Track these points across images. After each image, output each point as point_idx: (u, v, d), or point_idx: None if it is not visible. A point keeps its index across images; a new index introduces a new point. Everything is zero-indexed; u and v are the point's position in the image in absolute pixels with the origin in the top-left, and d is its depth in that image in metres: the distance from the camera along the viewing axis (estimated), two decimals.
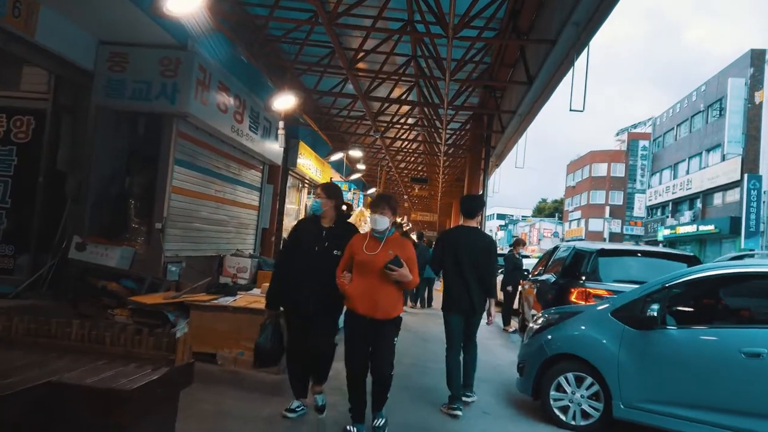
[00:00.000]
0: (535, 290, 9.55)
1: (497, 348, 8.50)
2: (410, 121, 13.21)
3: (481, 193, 11.59)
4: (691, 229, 37.86)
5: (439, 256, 5.38)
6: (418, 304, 13.87)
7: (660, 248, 8.40)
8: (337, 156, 12.54)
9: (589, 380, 4.87)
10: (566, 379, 4.97)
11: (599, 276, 7.80)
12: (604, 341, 4.84)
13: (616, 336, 4.80)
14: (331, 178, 15.83)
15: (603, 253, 7.97)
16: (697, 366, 4.37)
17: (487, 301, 5.33)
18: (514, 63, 7.71)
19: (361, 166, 14.92)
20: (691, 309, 5.07)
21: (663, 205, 46.53)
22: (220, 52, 7.03)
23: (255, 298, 6.06)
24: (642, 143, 54.08)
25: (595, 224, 59.49)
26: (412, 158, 16.62)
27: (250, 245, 9.38)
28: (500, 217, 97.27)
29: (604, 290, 7.54)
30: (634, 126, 66.07)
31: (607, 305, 5.09)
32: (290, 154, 10.84)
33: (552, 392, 5.02)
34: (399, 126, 13.19)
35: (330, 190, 4.44)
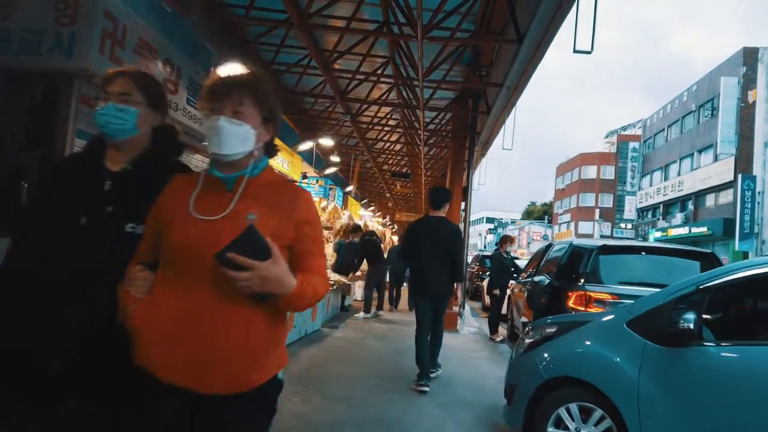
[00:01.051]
0: (526, 294, 8.36)
1: (482, 362, 7.28)
2: (388, 110, 12.01)
3: (465, 186, 10.42)
4: (683, 231, 37.05)
5: (408, 244, 5.76)
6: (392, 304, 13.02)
7: (670, 245, 7.28)
8: (306, 146, 11.25)
9: (598, 413, 3.64)
10: (568, 411, 3.74)
11: (601, 277, 6.63)
12: (619, 361, 3.62)
13: (634, 354, 3.58)
14: (305, 173, 14.55)
15: (605, 250, 6.79)
16: (751, 397, 3.16)
17: (455, 285, 5.80)
18: (502, 29, 6.53)
19: (335, 159, 13.62)
20: (739, 318, 3.87)
21: (654, 207, 45.79)
22: (141, 2, 5.76)
23: None
24: (632, 145, 53.41)
25: (585, 227, 58.70)
26: (392, 150, 15.30)
27: None
28: (489, 220, 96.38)
29: (608, 294, 6.39)
30: (624, 128, 65.56)
31: (620, 313, 3.87)
32: None
33: (550, 429, 3.79)
34: (374, 115, 12.00)
35: (141, 80, 1.95)
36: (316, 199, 15.25)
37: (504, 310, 9.65)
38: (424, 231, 5.71)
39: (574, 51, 4.53)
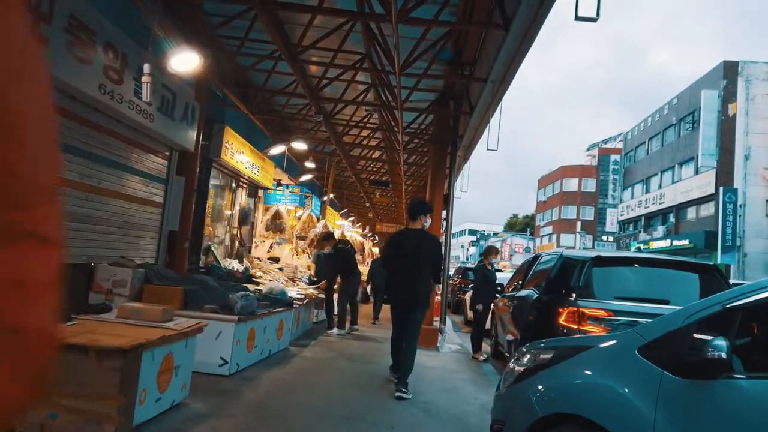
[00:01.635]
0: (511, 309, 7.71)
1: (464, 385, 6.58)
2: (364, 114, 11.36)
3: (447, 193, 9.78)
4: (664, 243, 36.90)
5: (387, 255, 6.03)
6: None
7: (669, 256, 6.70)
8: (277, 149, 10.53)
9: None
10: None
11: (595, 291, 6.03)
12: (630, 395, 2.95)
13: (649, 387, 2.91)
14: (279, 180, 13.82)
15: (599, 261, 6.18)
16: None
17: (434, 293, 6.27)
18: (486, 19, 5.92)
19: (310, 165, 12.88)
20: None
21: (635, 220, 45.77)
22: None
23: (100, 326, 4.02)
24: (613, 158, 53.55)
25: (567, 239, 58.63)
26: (371, 157, 14.65)
27: (148, 252, 7.32)
28: (471, 232, 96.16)
29: (603, 310, 5.78)
30: (605, 141, 65.94)
31: (630, 338, 3.21)
32: (213, 141, 8.84)
33: None
34: (350, 117, 11.37)
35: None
36: (291, 207, 14.49)
37: (488, 326, 9.01)
38: (402, 243, 5.85)
39: (576, 18, 3.91)
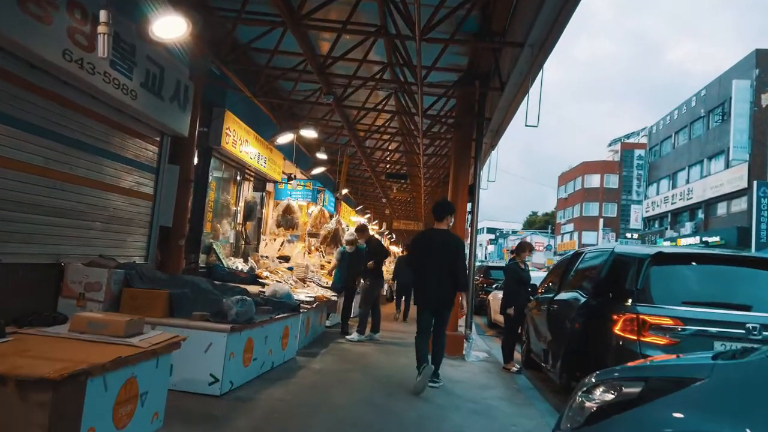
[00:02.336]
0: (549, 314, 6.73)
1: (498, 404, 5.61)
2: (380, 97, 10.43)
3: (471, 184, 8.80)
4: (693, 241, 35.42)
5: (413, 256, 6.10)
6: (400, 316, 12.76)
7: (747, 253, 5.68)
8: (285, 138, 9.62)
9: None
10: None
11: (656, 295, 5.04)
12: None
13: None
14: (291, 175, 12.95)
15: (661, 259, 5.18)
16: None
17: (459, 295, 6.06)
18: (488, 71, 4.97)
19: (322, 156, 11.93)
20: None
21: (661, 216, 44.23)
22: None
23: (40, 344, 3.14)
24: (637, 152, 52.01)
25: (589, 237, 57.14)
26: (387, 149, 13.63)
27: (136, 250, 6.45)
28: (490, 231, 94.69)
29: (669, 318, 4.81)
30: (628, 136, 64.20)
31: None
32: (213, 127, 7.97)
33: None
34: (365, 102, 10.46)
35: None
36: (303, 203, 13.60)
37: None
38: (427, 243, 5.96)
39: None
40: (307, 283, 9.63)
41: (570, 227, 62.01)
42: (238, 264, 9.12)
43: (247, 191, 10.37)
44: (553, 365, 6.18)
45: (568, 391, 3.82)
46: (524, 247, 7.72)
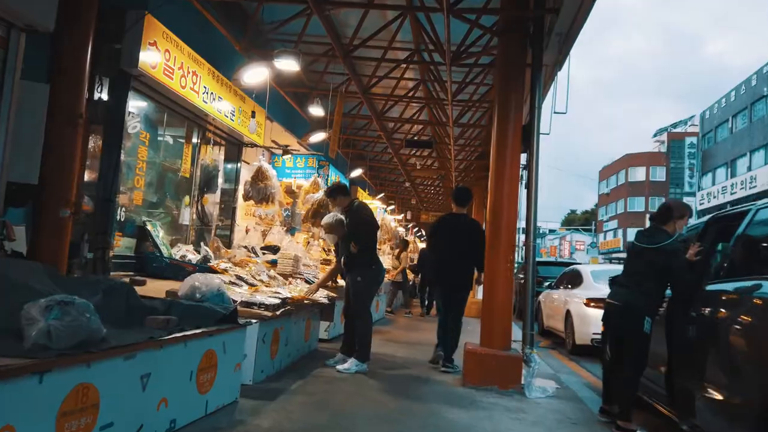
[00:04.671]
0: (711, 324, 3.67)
1: None
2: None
3: (526, 124, 5.77)
4: None
5: (432, 239, 6.52)
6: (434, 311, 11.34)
7: None
8: (254, 75, 6.73)
9: None
10: None
11: None
12: None
13: None
14: (286, 147, 10.11)
15: None
16: None
17: (476, 274, 6.23)
18: None
19: (317, 111, 8.81)
20: None
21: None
22: None
23: None
24: (689, 140, 47.75)
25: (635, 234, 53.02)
26: (407, 98, 10.48)
27: None
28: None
29: None
30: (674, 125, 59.84)
31: None
32: (127, 41, 5.18)
33: None
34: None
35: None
36: (304, 182, 10.69)
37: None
38: (445, 226, 6.21)
39: None
40: (291, 280, 6.75)
41: (613, 224, 57.93)
42: (187, 253, 6.29)
43: (210, 156, 7.46)
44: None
45: None
46: (683, 211, 4.50)
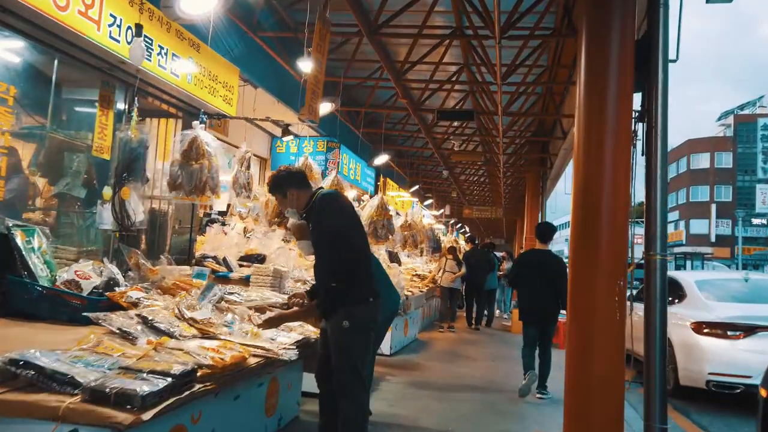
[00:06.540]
0: None
1: None
2: None
3: (639, 38, 3.31)
4: None
5: (516, 274, 6.72)
6: (483, 322, 11.52)
7: None
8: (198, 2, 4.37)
9: None
10: None
11: None
12: None
13: None
14: (287, 125, 7.81)
15: None
16: None
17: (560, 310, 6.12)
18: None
19: (305, 63, 6.11)
20: None
21: None
22: None
23: None
24: (762, 122, 43.09)
25: (699, 226, 48.74)
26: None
27: None
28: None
29: None
30: (741, 107, 54.95)
31: None
32: None
33: None
34: None
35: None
36: (317, 168, 8.36)
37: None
38: (533, 264, 6.39)
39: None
40: (260, 314, 4.35)
41: (675, 215, 53.53)
42: (89, 272, 3.94)
43: (133, 127, 4.88)
44: None
45: None
46: None
